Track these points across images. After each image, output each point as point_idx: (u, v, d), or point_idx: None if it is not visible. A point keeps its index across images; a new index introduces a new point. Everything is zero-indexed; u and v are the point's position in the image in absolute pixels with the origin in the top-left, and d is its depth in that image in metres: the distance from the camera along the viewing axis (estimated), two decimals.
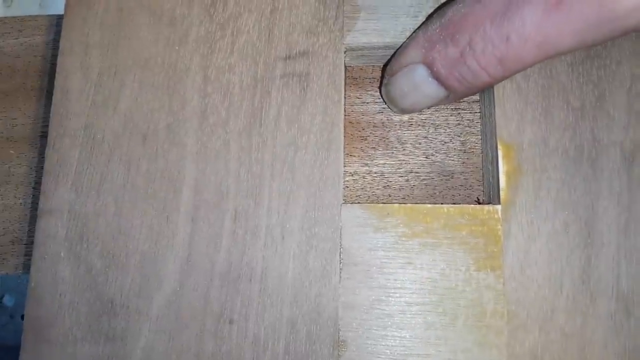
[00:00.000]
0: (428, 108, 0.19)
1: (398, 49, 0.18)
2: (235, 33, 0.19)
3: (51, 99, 0.20)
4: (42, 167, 0.22)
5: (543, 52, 0.14)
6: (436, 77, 0.16)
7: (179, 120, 0.18)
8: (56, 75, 0.19)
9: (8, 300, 0.28)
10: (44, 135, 0.22)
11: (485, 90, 0.19)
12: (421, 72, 0.16)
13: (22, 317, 0.24)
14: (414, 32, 0.18)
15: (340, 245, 0.17)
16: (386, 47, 0.19)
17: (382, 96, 0.19)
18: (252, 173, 0.18)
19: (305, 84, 0.18)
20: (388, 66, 0.18)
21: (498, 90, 0.17)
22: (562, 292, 0.16)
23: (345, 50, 0.19)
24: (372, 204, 0.17)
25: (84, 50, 0.19)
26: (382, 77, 0.19)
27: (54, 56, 0.23)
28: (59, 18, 0.23)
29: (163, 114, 0.18)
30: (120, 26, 0.19)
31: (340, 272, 0.17)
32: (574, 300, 0.16)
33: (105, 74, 0.19)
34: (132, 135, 0.18)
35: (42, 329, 0.17)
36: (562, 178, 0.17)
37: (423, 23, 0.18)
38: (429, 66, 0.16)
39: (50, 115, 0.19)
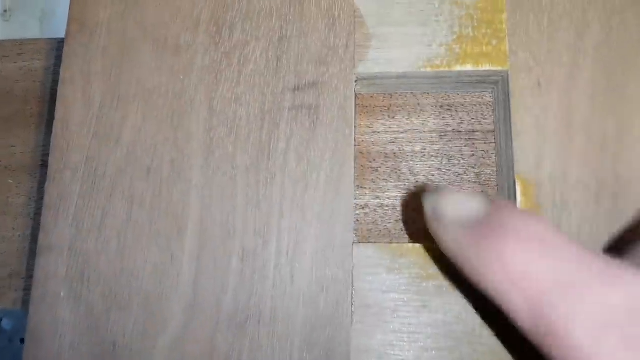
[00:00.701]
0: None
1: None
2: (242, 62, 0.18)
3: (51, 127, 0.19)
4: (41, 198, 0.21)
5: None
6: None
7: (183, 154, 0.18)
8: (56, 105, 0.19)
9: (6, 324, 0.28)
10: (44, 165, 0.21)
11: (502, 121, 0.18)
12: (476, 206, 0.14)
13: (22, 340, 0.23)
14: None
15: (352, 287, 0.16)
16: (399, 76, 0.18)
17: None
18: (260, 210, 0.17)
19: (315, 117, 0.18)
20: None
21: (515, 123, 0.17)
22: None
23: (356, 79, 0.18)
24: (384, 244, 0.17)
25: (86, 79, 0.19)
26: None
27: (55, 82, 0.22)
28: (60, 42, 0.22)
29: (167, 147, 0.18)
30: (123, 55, 0.19)
31: (352, 315, 0.16)
32: None
33: (108, 104, 0.18)
34: (136, 170, 0.18)
35: None
36: (583, 216, 0.16)
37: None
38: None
39: (51, 147, 0.18)
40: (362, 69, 0.18)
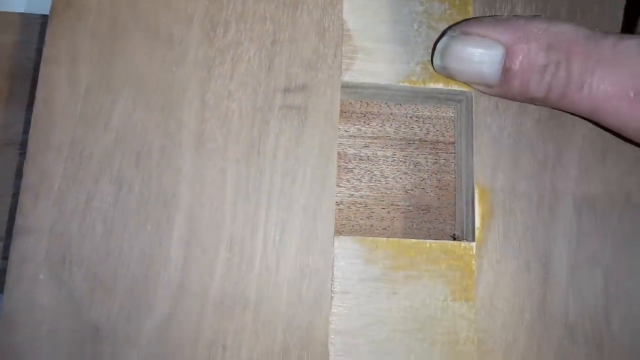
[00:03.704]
0: (455, 82, 0.19)
1: (487, 18, 0.18)
2: (235, 60, 0.19)
3: (20, 105, 0.19)
4: (6, 179, 0.20)
5: (594, 117, 0.16)
6: (506, 66, 0.16)
7: (174, 142, 0.18)
8: (38, 84, 0.18)
9: None
10: (9, 144, 0.20)
11: (463, 135, 0.21)
12: (496, 52, 0.16)
13: None
14: (511, 16, 0.18)
15: (333, 275, 0.18)
16: (379, 88, 0.20)
17: (434, 45, 0.19)
18: (248, 202, 0.18)
19: (303, 117, 0.19)
20: (464, 24, 0.18)
21: (477, 138, 0.19)
22: (523, 323, 0.18)
23: (341, 87, 0.20)
24: (362, 237, 0.18)
25: (72, 61, 0.18)
26: (449, 29, 0.19)
27: (25, 58, 0.21)
28: (37, 18, 0.21)
29: (158, 134, 0.18)
30: (113, 39, 0.19)
31: (332, 301, 0.18)
32: (532, 329, 0.18)
33: (96, 88, 0.18)
34: (125, 155, 0.18)
35: (17, 357, 0.16)
36: (526, 222, 0.19)
37: (524, 17, 0.17)
38: (509, 53, 0.16)
39: (31, 127, 0.18)
40: (348, 77, 0.20)
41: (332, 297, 0.18)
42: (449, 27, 0.19)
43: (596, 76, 0.16)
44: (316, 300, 0.18)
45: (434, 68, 0.19)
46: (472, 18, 0.19)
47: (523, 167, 0.19)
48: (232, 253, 0.18)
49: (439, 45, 0.19)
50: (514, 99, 0.18)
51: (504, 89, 0.17)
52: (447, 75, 0.19)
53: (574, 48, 0.16)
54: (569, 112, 0.19)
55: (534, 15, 0.19)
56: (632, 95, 0.15)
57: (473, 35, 0.17)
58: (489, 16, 0.19)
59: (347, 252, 0.18)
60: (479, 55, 0.17)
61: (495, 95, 0.19)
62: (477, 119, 0.20)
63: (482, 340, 0.18)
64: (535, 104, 0.19)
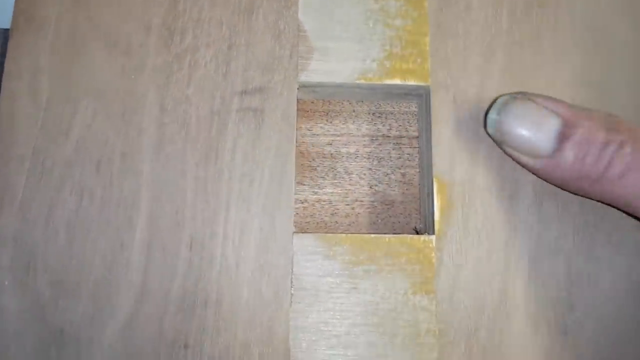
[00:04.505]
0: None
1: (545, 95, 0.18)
2: (192, 65, 0.20)
3: None
4: None
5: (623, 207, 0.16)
6: (565, 133, 0.16)
7: (134, 149, 0.19)
8: (1, 99, 0.19)
9: None
10: None
11: (424, 129, 0.21)
12: (555, 121, 0.16)
13: None
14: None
15: (292, 272, 0.18)
16: (336, 86, 0.20)
17: (494, 101, 0.18)
18: (208, 203, 0.18)
19: (260, 119, 0.19)
20: (527, 93, 0.18)
21: (435, 130, 0.20)
22: (485, 313, 0.18)
23: (298, 87, 0.20)
24: (321, 234, 0.19)
25: (33, 74, 0.19)
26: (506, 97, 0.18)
27: None
28: (5, 31, 0.22)
29: (118, 142, 0.19)
30: (73, 50, 0.19)
31: (292, 297, 0.18)
32: (494, 320, 0.18)
33: (56, 99, 0.19)
34: (85, 163, 0.18)
35: None
36: (486, 213, 0.19)
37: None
38: (568, 124, 0.16)
39: None
40: (304, 77, 0.20)
41: (292, 294, 0.18)
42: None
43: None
44: (276, 296, 0.18)
45: (485, 123, 0.18)
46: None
47: (482, 159, 0.19)
48: (193, 253, 0.18)
49: (499, 100, 0.18)
50: (560, 178, 0.17)
51: (555, 161, 0.16)
52: (498, 136, 0.18)
53: (638, 133, 0.15)
54: (610, 202, 0.17)
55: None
56: None
57: (537, 100, 0.17)
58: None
59: (306, 249, 0.18)
60: (538, 117, 0.16)
61: (538, 172, 0.18)
62: (435, 113, 0.20)
63: (443, 332, 0.18)
64: (576, 189, 0.17)
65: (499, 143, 0.18)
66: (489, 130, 0.18)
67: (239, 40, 0.20)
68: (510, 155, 0.18)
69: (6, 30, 0.20)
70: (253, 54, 0.20)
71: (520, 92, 0.18)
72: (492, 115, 0.18)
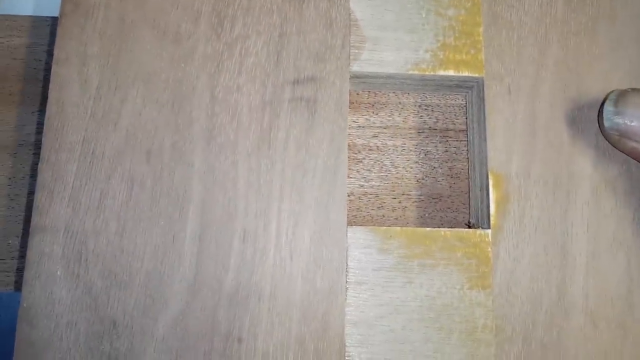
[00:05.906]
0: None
1: None
2: (243, 54, 0.19)
3: (32, 106, 0.19)
4: (21, 178, 0.21)
5: None
6: None
7: (185, 138, 0.18)
8: (50, 85, 0.18)
9: None
10: (23, 144, 0.21)
11: (476, 121, 0.20)
12: None
13: None
14: None
15: (347, 266, 0.18)
16: (387, 77, 0.20)
17: (605, 97, 0.18)
18: (260, 194, 0.18)
19: (313, 109, 0.19)
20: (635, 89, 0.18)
21: (489, 123, 0.19)
22: (542, 308, 0.18)
23: (350, 77, 0.20)
24: (375, 227, 0.18)
25: (82, 61, 0.19)
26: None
27: (36, 60, 0.21)
28: (47, 20, 0.21)
29: (168, 131, 0.18)
30: (122, 38, 0.19)
31: (347, 291, 0.18)
32: (551, 315, 0.18)
33: (105, 87, 0.18)
34: (135, 152, 0.18)
35: (36, 352, 0.16)
36: (542, 206, 0.19)
37: None
38: None
39: (44, 127, 0.18)
40: (357, 67, 0.19)
41: (347, 288, 0.18)
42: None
43: None
44: (331, 290, 0.18)
45: (602, 117, 0.18)
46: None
47: (538, 151, 0.19)
48: (246, 245, 0.18)
49: (612, 94, 0.18)
50: None
51: None
52: (617, 129, 0.17)
53: None
54: None
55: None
56: None
57: None
58: None
59: (360, 242, 0.18)
60: None
61: None
62: (489, 105, 0.19)
63: (500, 328, 0.18)
64: None
65: (618, 137, 0.18)
66: (606, 123, 0.18)
67: (290, 29, 0.19)
68: (630, 151, 0.17)
69: (55, 18, 0.20)
70: (304, 42, 0.19)
71: (631, 88, 0.18)
72: (609, 107, 0.17)
